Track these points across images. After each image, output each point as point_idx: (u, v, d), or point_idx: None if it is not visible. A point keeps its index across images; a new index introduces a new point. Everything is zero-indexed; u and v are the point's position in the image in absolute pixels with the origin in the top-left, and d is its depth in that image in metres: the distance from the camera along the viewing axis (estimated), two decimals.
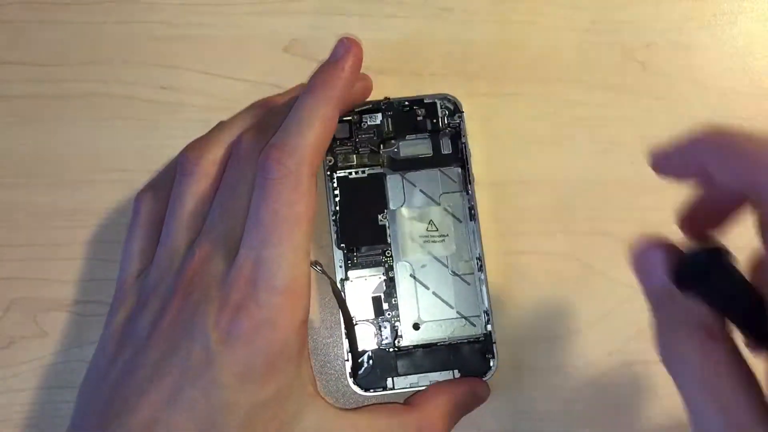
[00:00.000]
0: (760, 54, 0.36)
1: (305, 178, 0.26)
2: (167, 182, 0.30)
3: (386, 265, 0.32)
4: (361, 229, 0.32)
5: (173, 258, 0.27)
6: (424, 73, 0.35)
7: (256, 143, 0.28)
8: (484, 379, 0.31)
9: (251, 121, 0.30)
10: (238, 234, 0.26)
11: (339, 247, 0.32)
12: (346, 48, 0.28)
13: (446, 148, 0.33)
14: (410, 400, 0.30)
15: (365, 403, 0.32)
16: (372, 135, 0.33)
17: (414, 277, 0.32)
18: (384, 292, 0.32)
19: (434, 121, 0.33)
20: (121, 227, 0.32)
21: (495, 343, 0.31)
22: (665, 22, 0.36)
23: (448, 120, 0.33)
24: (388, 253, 0.32)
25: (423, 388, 0.31)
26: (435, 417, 0.29)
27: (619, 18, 0.36)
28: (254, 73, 0.35)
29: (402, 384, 0.31)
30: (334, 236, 0.32)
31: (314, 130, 0.26)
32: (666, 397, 0.33)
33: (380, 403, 0.29)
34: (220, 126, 0.31)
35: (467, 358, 0.31)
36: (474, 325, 0.32)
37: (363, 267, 0.32)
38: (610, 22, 0.36)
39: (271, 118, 0.29)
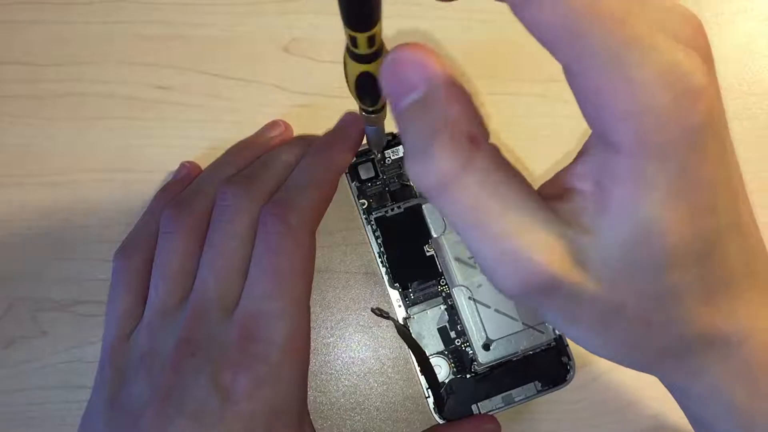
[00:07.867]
0: (760, 53, 0.36)
1: (307, 235, 0.26)
2: (145, 238, 0.29)
3: (443, 294, 0.32)
4: (410, 264, 0.32)
5: (165, 318, 0.27)
6: None
7: (243, 198, 0.27)
8: (563, 386, 0.31)
9: (232, 170, 0.30)
10: (233, 290, 0.26)
11: (393, 287, 0.32)
12: (354, 121, 0.30)
13: None
14: None
15: None
16: (398, 168, 0.33)
17: (473, 299, 0.32)
18: (448, 321, 0.32)
19: None
20: (122, 227, 0.32)
21: (568, 345, 0.31)
22: None
23: None
24: (443, 282, 0.32)
25: (507, 408, 0.31)
26: None
27: None
28: (253, 73, 0.34)
29: (488, 407, 0.31)
30: (386, 277, 0.32)
31: (318, 193, 0.27)
32: (667, 396, 0.33)
33: None
34: (200, 179, 0.30)
35: (544, 367, 0.31)
36: (542, 333, 0.32)
37: (421, 301, 0.32)
38: None
39: (256, 170, 0.29)
